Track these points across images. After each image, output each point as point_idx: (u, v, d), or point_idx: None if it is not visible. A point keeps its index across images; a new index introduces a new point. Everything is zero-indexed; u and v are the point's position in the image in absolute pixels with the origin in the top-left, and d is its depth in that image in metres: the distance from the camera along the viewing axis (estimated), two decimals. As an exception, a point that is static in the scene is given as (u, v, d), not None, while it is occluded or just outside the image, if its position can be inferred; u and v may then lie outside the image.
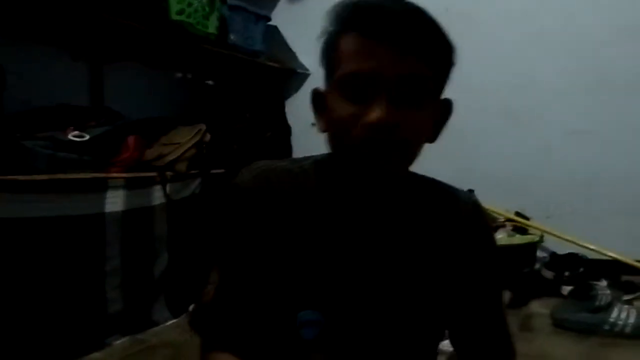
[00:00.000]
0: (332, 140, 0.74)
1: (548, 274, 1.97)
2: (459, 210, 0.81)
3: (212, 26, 2.02)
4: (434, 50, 0.67)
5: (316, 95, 0.78)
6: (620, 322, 1.51)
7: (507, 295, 1.73)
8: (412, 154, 0.71)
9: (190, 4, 1.86)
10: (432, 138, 0.74)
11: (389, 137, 0.65)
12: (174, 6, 1.81)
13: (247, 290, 0.83)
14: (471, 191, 0.95)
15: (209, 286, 0.90)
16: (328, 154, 0.81)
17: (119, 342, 1.65)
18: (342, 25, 0.70)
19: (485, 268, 0.82)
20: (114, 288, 1.69)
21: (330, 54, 0.72)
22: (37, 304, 1.46)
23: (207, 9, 1.97)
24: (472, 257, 0.81)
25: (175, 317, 1.89)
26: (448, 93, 0.73)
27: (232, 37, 2.21)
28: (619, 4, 2.13)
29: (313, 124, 0.89)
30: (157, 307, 1.87)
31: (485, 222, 0.84)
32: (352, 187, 0.78)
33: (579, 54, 2.22)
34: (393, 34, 0.64)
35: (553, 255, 2.03)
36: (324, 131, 0.76)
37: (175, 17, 1.81)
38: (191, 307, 1.96)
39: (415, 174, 0.83)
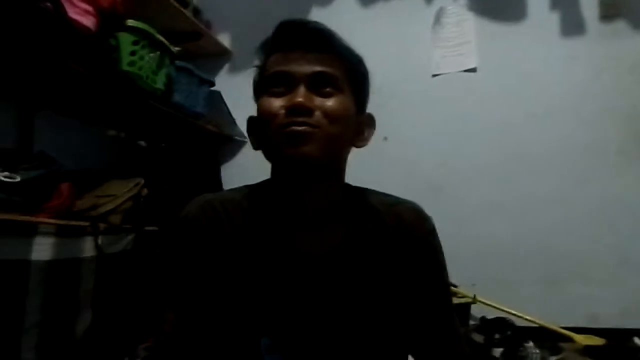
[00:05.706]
0: (264, 141, 0.82)
1: (478, 337, 2.03)
2: (402, 218, 0.87)
3: (160, 82, 2.02)
4: (340, 55, 0.83)
5: (251, 121, 0.89)
6: (555, 378, 1.59)
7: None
8: (333, 146, 0.80)
9: (142, 57, 1.87)
10: (361, 143, 0.87)
11: (307, 120, 0.76)
12: (126, 57, 1.81)
13: (204, 321, 0.82)
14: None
15: (165, 324, 0.87)
16: (269, 179, 0.88)
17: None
18: (267, 52, 0.86)
19: (432, 273, 0.88)
20: (31, 348, 1.50)
21: (260, 78, 0.86)
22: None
23: (156, 64, 1.99)
24: (418, 263, 0.86)
25: (95, 384, 1.70)
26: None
27: (176, 96, 2.22)
28: (527, 94, 2.44)
29: None
30: (75, 372, 1.67)
31: (429, 228, 0.90)
32: (293, 201, 0.83)
33: (496, 135, 2.46)
34: (305, 43, 0.81)
35: (482, 319, 2.11)
36: (256, 148, 0.86)
37: (126, 67, 1.80)
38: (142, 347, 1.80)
39: (353, 187, 0.91)
